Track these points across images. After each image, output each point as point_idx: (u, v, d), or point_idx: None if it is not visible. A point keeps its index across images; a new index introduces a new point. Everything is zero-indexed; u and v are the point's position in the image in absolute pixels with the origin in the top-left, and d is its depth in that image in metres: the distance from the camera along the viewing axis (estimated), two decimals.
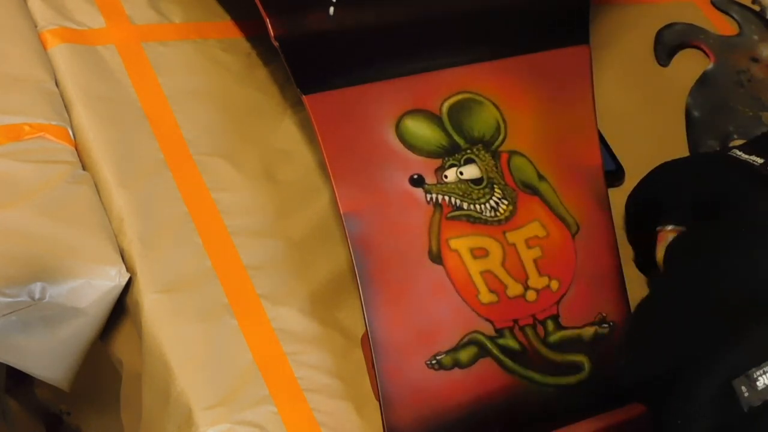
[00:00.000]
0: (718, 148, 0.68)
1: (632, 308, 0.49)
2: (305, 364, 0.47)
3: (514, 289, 0.49)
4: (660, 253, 0.44)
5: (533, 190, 0.52)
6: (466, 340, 0.47)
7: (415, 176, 0.50)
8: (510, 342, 0.48)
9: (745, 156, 0.55)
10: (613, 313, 0.50)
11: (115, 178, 0.50)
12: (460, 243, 0.49)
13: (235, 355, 0.46)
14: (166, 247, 0.49)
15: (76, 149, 0.52)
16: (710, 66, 0.75)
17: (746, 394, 0.32)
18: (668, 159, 0.57)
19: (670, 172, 0.55)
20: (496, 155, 0.52)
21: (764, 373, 0.32)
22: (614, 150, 0.64)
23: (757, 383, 0.32)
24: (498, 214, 0.50)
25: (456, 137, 0.51)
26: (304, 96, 0.48)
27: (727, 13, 0.81)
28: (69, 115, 0.53)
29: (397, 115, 0.51)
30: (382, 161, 0.49)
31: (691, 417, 0.34)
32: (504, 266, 0.49)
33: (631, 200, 0.56)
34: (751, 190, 0.53)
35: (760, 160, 0.55)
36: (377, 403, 0.45)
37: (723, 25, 0.80)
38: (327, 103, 0.49)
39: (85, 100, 0.53)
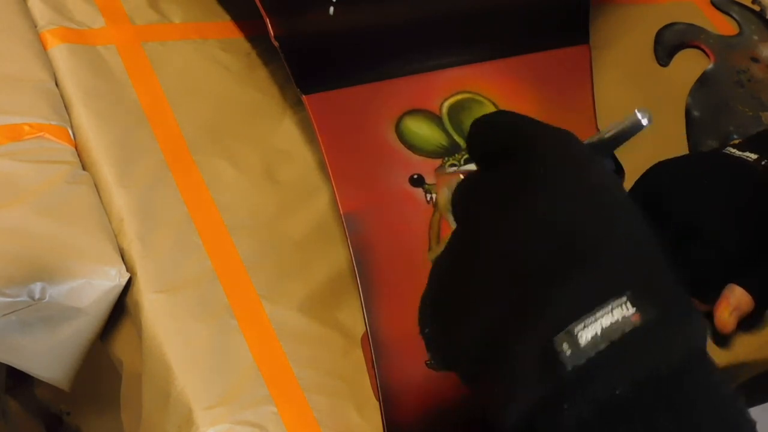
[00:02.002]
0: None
1: None
2: (305, 364, 0.47)
3: None
4: (441, 198, 0.40)
5: None
6: None
7: (415, 176, 0.50)
8: None
9: (738, 153, 0.55)
10: None
11: (115, 178, 0.50)
12: None
13: (235, 355, 0.46)
14: (166, 247, 0.49)
15: (76, 149, 0.52)
16: (710, 66, 0.75)
17: (569, 353, 0.29)
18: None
19: (665, 171, 0.55)
20: None
21: (585, 326, 0.29)
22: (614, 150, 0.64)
23: (579, 339, 0.29)
24: None
25: (456, 137, 0.51)
26: (304, 96, 0.48)
27: (727, 13, 0.81)
28: (69, 115, 0.53)
29: (397, 115, 0.51)
30: (382, 161, 0.49)
31: (511, 387, 0.30)
32: None
33: None
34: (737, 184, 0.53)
35: (754, 156, 0.55)
36: (377, 403, 0.45)
37: (723, 25, 0.80)
38: (327, 103, 0.49)
39: (85, 100, 0.53)
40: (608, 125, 0.35)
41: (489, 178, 0.34)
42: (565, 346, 0.29)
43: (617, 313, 0.29)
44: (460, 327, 0.32)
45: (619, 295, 0.29)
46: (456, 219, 0.35)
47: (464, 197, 0.34)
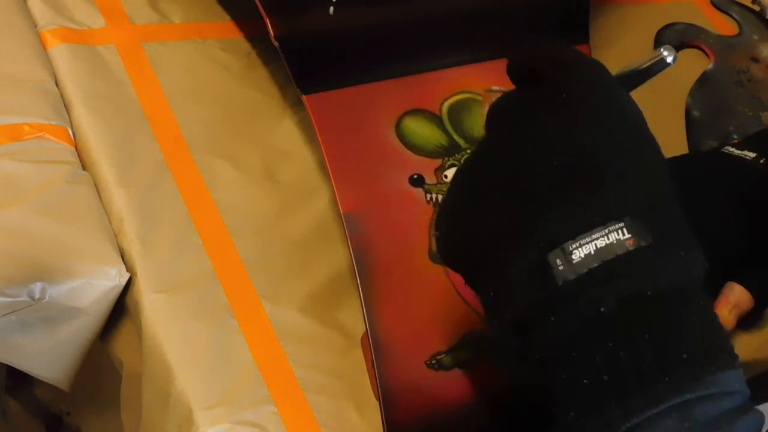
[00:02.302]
0: None
1: None
2: (305, 364, 0.47)
3: None
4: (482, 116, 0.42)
5: None
6: (466, 340, 0.47)
7: (415, 176, 0.50)
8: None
9: (737, 152, 0.55)
10: None
11: (115, 178, 0.50)
12: None
13: (235, 355, 0.46)
14: (166, 247, 0.49)
15: (76, 149, 0.52)
16: (710, 66, 0.75)
17: (561, 267, 0.30)
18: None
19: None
20: None
21: (580, 246, 0.30)
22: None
23: (573, 256, 0.30)
24: None
25: (456, 137, 0.51)
26: (304, 96, 0.48)
27: (727, 13, 0.81)
28: (69, 115, 0.53)
29: (396, 115, 0.51)
30: (382, 161, 0.49)
31: (505, 292, 0.32)
32: None
33: None
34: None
35: (752, 155, 0.55)
36: (377, 403, 0.45)
37: (723, 25, 0.80)
38: (327, 103, 0.49)
39: (85, 100, 0.53)
40: (633, 61, 0.36)
41: (524, 94, 0.35)
42: (558, 261, 0.30)
43: (613, 237, 0.30)
44: (468, 229, 0.34)
45: (617, 220, 0.30)
46: (486, 129, 0.36)
47: (497, 109, 0.35)
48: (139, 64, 0.57)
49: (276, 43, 0.48)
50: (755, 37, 0.79)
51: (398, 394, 0.45)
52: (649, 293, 0.30)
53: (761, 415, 0.31)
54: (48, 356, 0.48)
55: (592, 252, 0.30)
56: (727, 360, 0.31)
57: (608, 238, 0.30)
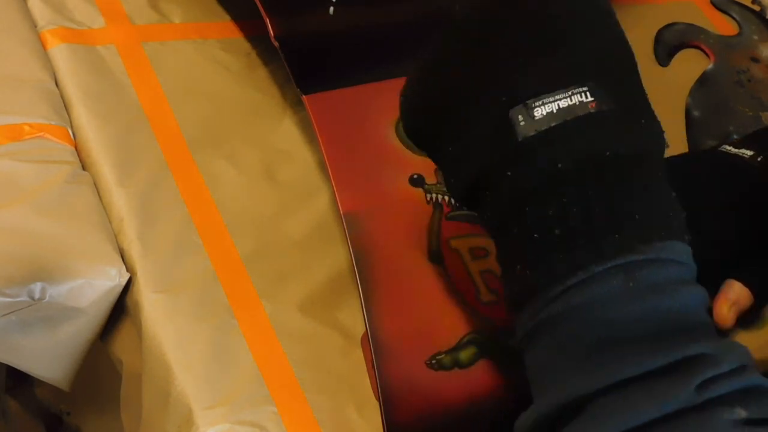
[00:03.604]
0: None
1: None
2: (305, 364, 0.47)
3: None
4: None
5: None
6: (466, 340, 0.47)
7: (415, 176, 0.50)
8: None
9: (734, 150, 0.56)
10: None
11: (115, 178, 0.50)
12: (460, 243, 0.49)
13: (235, 355, 0.46)
14: (166, 247, 0.49)
15: (76, 149, 0.52)
16: (710, 66, 0.75)
17: (522, 124, 0.31)
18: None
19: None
20: None
21: (543, 104, 0.31)
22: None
23: (535, 113, 0.31)
24: None
25: None
26: (304, 96, 0.48)
27: (727, 13, 0.81)
28: (69, 115, 0.53)
29: (396, 115, 0.50)
30: (382, 161, 0.49)
31: (466, 147, 0.33)
32: None
33: None
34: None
35: (749, 153, 0.55)
36: (377, 403, 0.45)
37: (723, 25, 0.80)
38: (327, 103, 0.49)
39: (85, 100, 0.53)
40: None
41: None
42: (520, 117, 0.31)
43: (576, 99, 0.31)
44: (433, 90, 0.35)
45: (580, 84, 0.31)
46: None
47: None
48: (139, 64, 0.57)
49: (276, 43, 0.48)
50: (755, 37, 0.79)
51: (398, 394, 0.45)
52: (607, 154, 0.31)
53: (705, 291, 0.32)
54: (48, 356, 0.48)
55: (555, 111, 0.31)
56: (679, 231, 0.32)
57: (571, 100, 0.31)
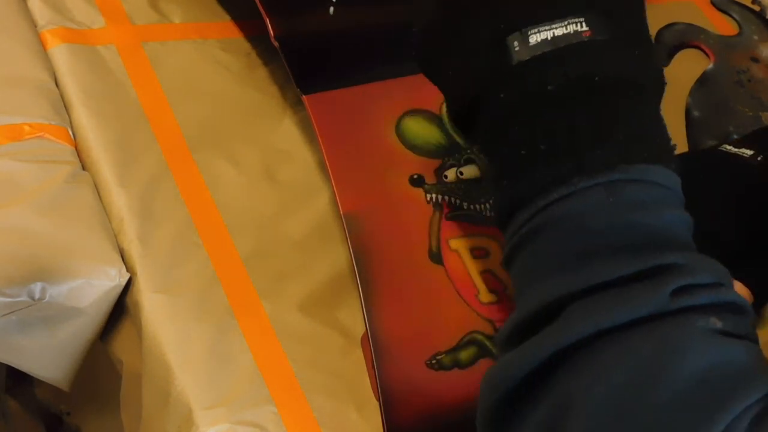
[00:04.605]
0: None
1: None
2: (305, 364, 0.47)
3: None
4: None
5: None
6: (466, 340, 0.47)
7: (415, 176, 0.50)
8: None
9: (734, 150, 0.56)
10: None
11: (115, 178, 0.50)
12: (460, 243, 0.49)
13: (235, 355, 0.46)
14: (166, 247, 0.49)
15: (76, 149, 0.52)
16: (710, 66, 0.75)
17: (517, 49, 0.32)
18: None
19: None
20: None
21: (539, 32, 0.32)
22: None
23: (530, 40, 0.32)
24: None
25: (456, 137, 0.51)
26: (304, 96, 0.48)
27: (727, 13, 0.81)
28: (69, 115, 0.53)
29: (396, 115, 0.51)
30: (382, 161, 0.49)
31: (465, 68, 0.34)
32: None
33: None
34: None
35: (749, 152, 0.55)
36: (377, 403, 0.45)
37: (723, 25, 0.80)
38: (327, 103, 0.49)
39: (85, 100, 0.53)
40: None
41: None
42: (516, 43, 0.33)
43: (571, 28, 0.32)
44: (442, 19, 0.36)
45: (578, 15, 0.32)
46: None
47: None
48: (139, 64, 0.57)
49: (276, 43, 0.48)
50: (755, 37, 0.79)
51: (398, 394, 0.45)
52: (597, 78, 0.32)
53: (691, 219, 0.33)
54: (48, 356, 0.48)
55: (549, 38, 0.32)
56: (666, 158, 0.33)
57: (567, 29, 0.32)
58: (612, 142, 0.32)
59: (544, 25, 0.32)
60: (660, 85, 0.35)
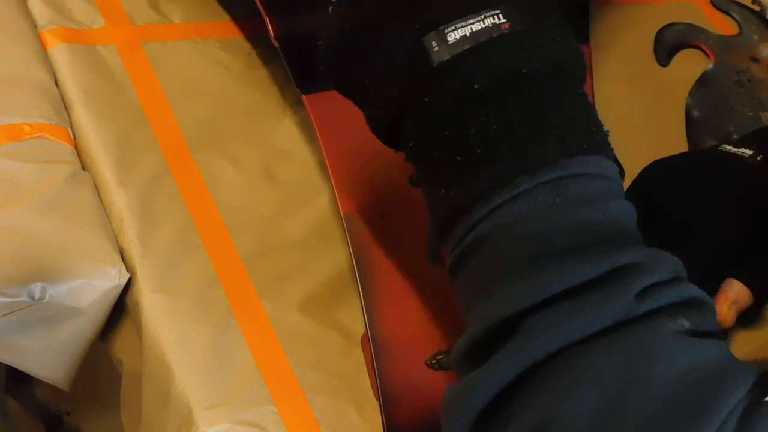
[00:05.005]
0: None
1: None
2: (305, 364, 0.47)
3: None
4: None
5: None
6: None
7: (415, 176, 0.49)
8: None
9: (734, 150, 0.55)
10: None
11: (115, 178, 0.50)
12: None
13: (235, 355, 0.46)
14: (166, 247, 0.49)
15: (76, 149, 0.52)
16: (710, 66, 0.75)
17: (436, 49, 0.31)
18: None
19: (662, 169, 0.55)
20: None
21: (456, 29, 0.31)
22: (614, 150, 0.64)
23: (448, 38, 0.31)
24: None
25: None
26: (304, 96, 0.48)
27: (727, 13, 0.81)
28: (69, 115, 0.53)
29: None
30: (381, 161, 0.49)
31: (381, 76, 0.33)
32: None
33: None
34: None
35: (749, 152, 0.55)
36: (377, 403, 0.45)
37: (723, 25, 0.80)
38: (327, 103, 0.49)
39: (85, 100, 0.53)
40: None
41: None
42: (434, 43, 0.31)
43: (489, 21, 0.31)
44: (351, 24, 0.35)
45: (492, 8, 0.32)
46: None
47: None
48: (139, 64, 0.57)
49: (276, 43, 0.48)
50: (755, 37, 0.79)
51: (398, 394, 0.45)
52: (524, 71, 0.31)
53: (632, 206, 0.32)
54: (48, 356, 0.48)
55: (468, 34, 0.31)
56: (603, 146, 0.32)
57: (484, 23, 0.31)
58: (550, 136, 0.30)
59: (460, 22, 0.31)
60: (583, 67, 0.34)
